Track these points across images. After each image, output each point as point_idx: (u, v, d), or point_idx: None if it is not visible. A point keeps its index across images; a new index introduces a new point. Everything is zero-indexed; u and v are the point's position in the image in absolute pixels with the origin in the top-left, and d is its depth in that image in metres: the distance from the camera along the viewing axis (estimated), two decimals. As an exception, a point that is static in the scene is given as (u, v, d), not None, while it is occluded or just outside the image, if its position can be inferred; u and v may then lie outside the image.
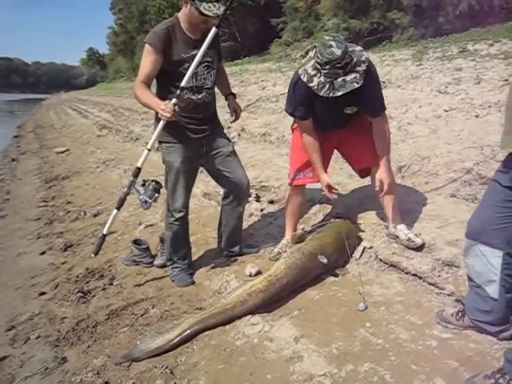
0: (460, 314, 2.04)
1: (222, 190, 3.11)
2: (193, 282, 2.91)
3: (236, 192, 2.96)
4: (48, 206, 5.35)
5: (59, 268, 3.49)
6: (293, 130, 3.01)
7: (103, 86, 51.76)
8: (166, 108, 2.47)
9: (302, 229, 3.19)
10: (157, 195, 2.71)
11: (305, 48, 13.00)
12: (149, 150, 2.68)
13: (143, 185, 2.73)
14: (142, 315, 2.58)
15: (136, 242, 3.26)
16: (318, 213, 3.48)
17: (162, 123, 2.57)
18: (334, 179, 3.70)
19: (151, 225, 4.02)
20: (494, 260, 1.81)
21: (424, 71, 6.96)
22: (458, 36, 8.65)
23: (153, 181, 2.74)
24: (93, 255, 2.92)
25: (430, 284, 2.40)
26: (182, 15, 2.63)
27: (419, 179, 3.62)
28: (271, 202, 4.02)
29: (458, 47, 7.66)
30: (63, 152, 9.30)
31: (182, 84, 2.55)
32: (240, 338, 2.21)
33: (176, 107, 2.51)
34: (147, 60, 2.59)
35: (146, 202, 2.68)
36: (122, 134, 10.43)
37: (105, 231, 2.86)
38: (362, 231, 3.02)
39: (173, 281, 2.92)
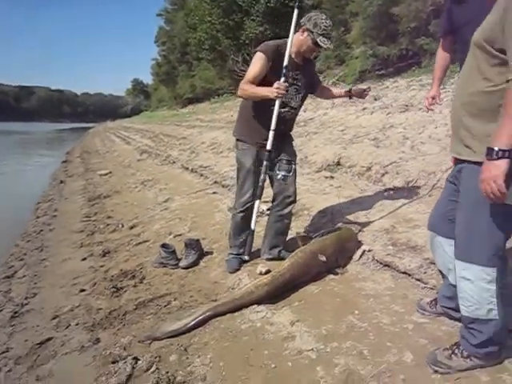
0: (434, 302, 2.33)
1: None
2: (238, 269, 3.27)
3: (282, 196, 3.25)
4: (90, 221, 5.88)
5: (97, 270, 3.93)
6: None
7: (146, 115, 53.79)
8: (279, 86, 2.81)
9: (311, 236, 3.52)
10: (293, 166, 3.05)
11: (337, 75, 13.43)
12: (273, 131, 2.95)
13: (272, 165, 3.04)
14: (165, 306, 2.95)
15: (164, 245, 3.66)
16: (328, 222, 3.80)
17: (278, 102, 2.90)
18: (347, 193, 4.02)
19: (179, 234, 4.42)
20: (448, 248, 2.06)
21: (446, 94, 7.19)
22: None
23: (281, 158, 3.04)
24: (246, 257, 3.16)
25: (417, 280, 2.69)
26: (294, 40, 2.97)
27: (424, 192, 3.90)
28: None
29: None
30: (106, 174, 9.94)
31: (285, 63, 2.87)
32: (245, 322, 2.55)
33: (286, 84, 2.87)
34: (257, 64, 2.93)
35: (285, 176, 3.00)
36: (161, 157, 11.05)
37: (252, 226, 3.08)
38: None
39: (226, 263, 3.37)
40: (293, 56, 3.01)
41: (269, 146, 2.97)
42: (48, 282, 3.93)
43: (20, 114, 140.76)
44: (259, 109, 3.05)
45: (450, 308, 2.22)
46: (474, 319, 1.85)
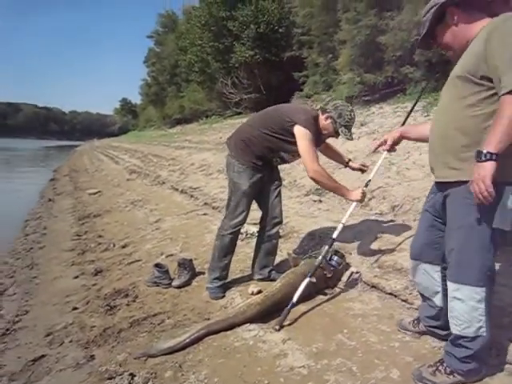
0: (416, 321, 2.46)
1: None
2: (223, 296, 3.31)
3: (269, 217, 3.41)
4: (81, 239, 5.93)
5: (90, 289, 3.99)
6: None
7: (134, 134, 53.79)
8: (364, 194, 3.06)
9: (302, 257, 3.63)
10: (343, 262, 3.08)
11: (324, 100, 13.72)
12: (343, 224, 3.05)
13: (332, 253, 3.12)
14: (158, 324, 3.02)
15: (157, 265, 3.74)
16: (316, 245, 3.92)
17: (354, 204, 3.06)
18: (335, 217, 4.17)
19: (171, 255, 4.50)
20: (435, 274, 2.26)
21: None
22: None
23: (337, 251, 3.12)
24: (277, 327, 2.70)
25: (403, 301, 2.82)
26: (320, 121, 3.18)
27: (409, 217, 4.05)
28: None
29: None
30: (95, 193, 9.98)
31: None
32: (239, 340, 2.64)
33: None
34: (312, 146, 3.06)
35: (334, 267, 3.04)
36: (150, 178, 11.14)
37: (294, 299, 2.79)
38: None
39: (206, 289, 3.38)
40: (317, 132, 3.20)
41: (335, 235, 3.05)
42: (40, 299, 3.97)
43: (5, 130, 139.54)
44: (266, 155, 3.25)
45: (435, 327, 2.36)
46: (463, 336, 1.97)
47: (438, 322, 2.34)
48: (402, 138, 2.73)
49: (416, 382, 2.05)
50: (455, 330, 2.00)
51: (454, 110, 1.96)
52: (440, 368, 2.04)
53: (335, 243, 3.10)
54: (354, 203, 3.05)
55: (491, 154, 1.71)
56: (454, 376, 2.01)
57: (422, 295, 2.41)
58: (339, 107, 3.13)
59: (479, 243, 1.90)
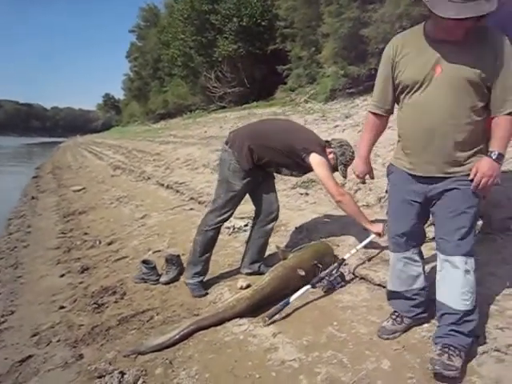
0: (399, 319, 2.42)
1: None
2: (206, 294, 3.27)
3: (266, 213, 3.38)
4: (66, 237, 5.86)
5: (77, 287, 3.94)
6: None
7: (118, 130, 53.32)
8: (384, 232, 3.05)
9: (290, 250, 3.63)
10: (342, 283, 3.04)
11: (308, 93, 13.73)
12: (357, 249, 3.13)
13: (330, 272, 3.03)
14: (147, 321, 3.00)
15: (145, 261, 3.72)
16: (304, 238, 3.92)
17: (371, 237, 3.16)
18: (322, 210, 4.19)
19: (158, 251, 4.47)
20: (416, 256, 2.35)
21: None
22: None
23: (341, 273, 3.09)
24: (267, 319, 2.68)
25: (392, 291, 2.82)
26: (328, 153, 3.23)
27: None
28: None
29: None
30: (80, 190, 9.88)
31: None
32: (229, 335, 2.63)
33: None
34: (331, 172, 3.16)
35: (333, 286, 2.99)
36: (135, 173, 11.04)
37: (291, 300, 2.77)
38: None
39: (186, 285, 3.34)
40: None
41: (346, 256, 3.12)
42: (25, 299, 3.92)
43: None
44: (267, 166, 3.29)
45: (420, 313, 2.41)
46: (469, 310, 2.07)
47: (419, 308, 2.39)
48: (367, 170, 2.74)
49: (443, 372, 1.96)
50: (466, 305, 2.07)
51: (459, 111, 2.02)
52: (451, 352, 2.02)
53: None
54: (373, 235, 3.14)
55: (503, 156, 2.00)
56: (461, 357, 2.03)
57: (393, 294, 2.46)
58: (343, 146, 3.26)
59: (476, 219, 2.15)
